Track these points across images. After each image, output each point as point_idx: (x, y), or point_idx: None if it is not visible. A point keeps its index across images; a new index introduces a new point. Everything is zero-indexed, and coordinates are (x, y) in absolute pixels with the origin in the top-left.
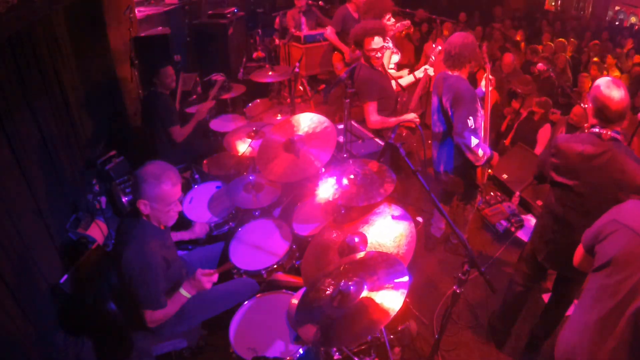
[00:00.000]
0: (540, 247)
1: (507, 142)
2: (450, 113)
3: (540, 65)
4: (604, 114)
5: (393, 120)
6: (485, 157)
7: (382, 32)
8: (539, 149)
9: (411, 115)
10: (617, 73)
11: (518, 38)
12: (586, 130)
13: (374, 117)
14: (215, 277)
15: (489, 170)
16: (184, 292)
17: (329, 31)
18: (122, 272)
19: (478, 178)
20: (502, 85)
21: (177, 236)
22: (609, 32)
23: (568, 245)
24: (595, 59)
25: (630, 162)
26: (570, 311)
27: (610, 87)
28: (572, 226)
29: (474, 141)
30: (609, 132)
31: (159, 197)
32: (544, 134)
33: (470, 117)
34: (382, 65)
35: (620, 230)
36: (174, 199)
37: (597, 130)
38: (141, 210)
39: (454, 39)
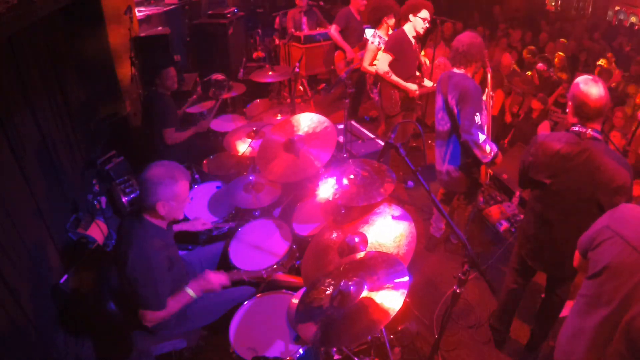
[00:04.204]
0: (523, 243)
1: (505, 142)
2: (455, 111)
3: (539, 65)
4: (583, 110)
5: (394, 78)
6: (493, 154)
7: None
8: None
9: (413, 86)
10: (616, 72)
11: (517, 38)
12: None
13: (382, 64)
14: (225, 280)
15: (490, 171)
16: (190, 292)
17: (333, 29)
18: (127, 273)
19: (482, 177)
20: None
21: (178, 227)
22: (609, 32)
23: (548, 242)
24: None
25: (609, 161)
26: (565, 312)
27: (588, 84)
28: (551, 224)
29: (482, 137)
30: (589, 131)
31: (176, 195)
32: (543, 130)
33: (477, 114)
34: (415, 37)
35: (612, 239)
36: (187, 193)
37: (577, 129)
38: (159, 212)
39: (463, 37)
